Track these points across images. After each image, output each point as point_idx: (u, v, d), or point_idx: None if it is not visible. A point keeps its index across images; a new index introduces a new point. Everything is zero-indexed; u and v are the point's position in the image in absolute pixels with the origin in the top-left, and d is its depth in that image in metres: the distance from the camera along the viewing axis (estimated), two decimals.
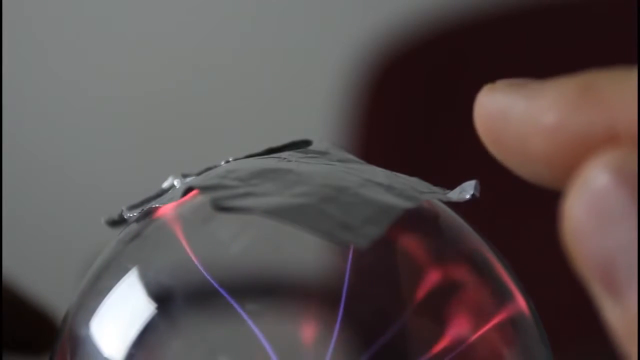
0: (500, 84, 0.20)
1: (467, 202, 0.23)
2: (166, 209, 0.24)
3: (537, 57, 0.90)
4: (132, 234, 0.24)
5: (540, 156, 0.19)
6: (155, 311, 0.22)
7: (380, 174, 0.24)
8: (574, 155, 0.18)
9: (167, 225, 0.24)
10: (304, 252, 0.22)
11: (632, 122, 0.17)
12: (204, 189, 0.22)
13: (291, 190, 0.22)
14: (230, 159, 0.25)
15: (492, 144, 0.20)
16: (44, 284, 1.07)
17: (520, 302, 0.24)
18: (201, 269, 0.23)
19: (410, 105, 0.92)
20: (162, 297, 0.23)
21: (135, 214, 0.24)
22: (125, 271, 0.23)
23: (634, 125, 0.17)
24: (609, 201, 0.17)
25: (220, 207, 0.21)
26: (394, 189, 0.23)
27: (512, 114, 0.19)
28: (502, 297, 0.23)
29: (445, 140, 0.90)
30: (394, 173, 0.24)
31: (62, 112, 1.05)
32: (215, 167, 0.25)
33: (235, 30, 1.04)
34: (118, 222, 0.25)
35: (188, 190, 0.23)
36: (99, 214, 0.26)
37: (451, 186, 0.24)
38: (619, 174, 0.17)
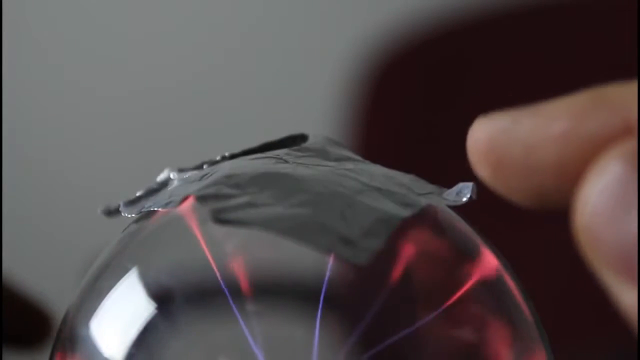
0: (495, 113, 0.20)
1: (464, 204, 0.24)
2: (165, 210, 0.24)
3: (537, 57, 0.90)
4: (131, 234, 0.24)
5: (550, 166, 0.19)
6: (155, 311, 0.23)
7: (377, 174, 0.24)
8: (586, 161, 0.18)
9: (168, 225, 0.24)
10: (304, 252, 0.23)
11: None
12: (202, 198, 0.22)
13: (290, 199, 0.22)
14: (227, 154, 0.25)
15: (493, 170, 0.20)
16: (44, 284, 1.07)
17: (492, 262, 0.24)
18: (214, 267, 0.23)
19: (409, 105, 0.92)
20: (162, 297, 0.23)
21: (133, 210, 0.24)
22: (125, 271, 0.23)
23: None
24: (628, 188, 0.17)
25: (219, 220, 0.21)
26: (392, 194, 0.23)
27: (516, 130, 0.19)
28: (472, 256, 0.23)
29: (444, 140, 0.90)
30: (391, 171, 0.24)
31: (62, 112, 1.05)
32: (211, 161, 0.25)
33: (235, 30, 1.04)
34: (114, 212, 0.25)
35: (186, 198, 0.23)
36: (98, 213, 0.26)
37: (449, 185, 0.24)
38: (636, 161, 0.17)
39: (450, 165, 0.86)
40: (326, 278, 0.23)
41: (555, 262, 0.88)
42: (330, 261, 0.23)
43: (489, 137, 0.20)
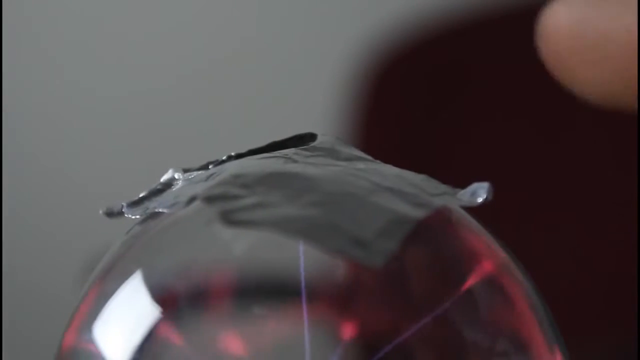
0: None
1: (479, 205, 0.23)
2: (171, 211, 0.23)
3: (538, 57, 0.89)
4: (136, 236, 0.24)
5: (622, 56, 0.18)
6: (160, 315, 0.22)
7: (388, 174, 0.23)
8: None
9: (173, 227, 0.24)
10: (310, 253, 0.22)
11: None
12: (209, 199, 0.21)
13: (300, 199, 0.21)
14: (233, 154, 0.25)
15: (568, 52, 0.19)
16: (44, 283, 1.07)
17: (506, 263, 0.23)
18: (222, 270, 0.23)
19: (410, 105, 0.91)
20: (167, 300, 0.23)
21: (136, 212, 0.24)
22: (129, 273, 0.23)
23: None
24: None
25: (228, 222, 0.21)
26: (405, 194, 0.22)
27: (594, 17, 0.19)
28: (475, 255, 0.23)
29: (446, 140, 0.90)
30: (402, 171, 0.24)
31: (64, 111, 1.05)
32: (217, 161, 0.25)
33: (236, 30, 1.04)
34: (116, 214, 0.24)
35: (192, 199, 0.22)
36: (99, 214, 0.26)
37: (451, 185, 0.24)
38: None
39: (450, 164, 0.86)
40: (302, 278, 0.22)
41: (555, 262, 0.87)
42: (302, 261, 0.22)
43: (566, 20, 0.19)
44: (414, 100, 0.91)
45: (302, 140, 0.25)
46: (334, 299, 0.23)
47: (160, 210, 0.23)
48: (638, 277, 0.81)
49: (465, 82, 0.91)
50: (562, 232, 0.89)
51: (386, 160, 0.25)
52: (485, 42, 0.92)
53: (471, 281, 0.23)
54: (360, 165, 0.24)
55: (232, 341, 0.22)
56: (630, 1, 0.18)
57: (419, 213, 0.22)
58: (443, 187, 0.23)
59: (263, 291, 0.23)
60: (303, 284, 0.22)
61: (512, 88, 0.89)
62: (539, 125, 0.90)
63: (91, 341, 0.23)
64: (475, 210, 0.24)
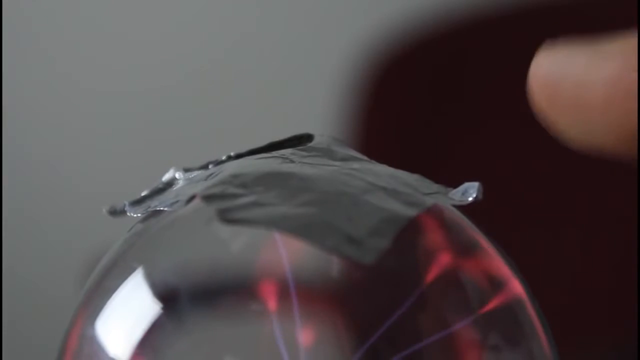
0: (559, 44, 0.20)
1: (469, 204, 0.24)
2: (171, 210, 0.24)
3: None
4: (138, 234, 0.24)
5: (598, 106, 0.19)
6: (161, 311, 0.23)
7: (383, 174, 0.24)
8: (633, 105, 0.18)
9: (174, 225, 0.24)
10: (309, 251, 0.23)
11: None
12: (208, 198, 0.22)
13: (296, 198, 0.22)
14: (232, 154, 0.25)
15: (546, 102, 0.20)
16: (44, 283, 1.07)
17: (516, 286, 0.24)
18: (220, 267, 0.23)
19: (410, 104, 0.92)
20: (168, 296, 0.23)
21: (138, 210, 0.24)
22: (131, 271, 0.23)
23: None
24: None
25: (226, 220, 0.21)
26: (398, 193, 0.23)
27: (572, 69, 0.19)
28: (495, 283, 0.24)
29: (446, 139, 0.90)
30: (396, 171, 0.24)
31: (65, 111, 1.05)
32: (217, 161, 0.25)
33: (236, 29, 1.04)
34: (119, 213, 0.25)
35: (192, 198, 0.23)
36: (100, 214, 0.26)
37: (450, 185, 0.24)
38: None
39: (450, 163, 0.86)
40: (290, 278, 0.23)
41: (555, 262, 0.88)
42: (287, 264, 0.23)
43: (546, 70, 0.20)
44: (413, 100, 0.91)
45: (299, 140, 0.26)
46: (328, 295, 0.23)
47: (161, 208, 0.24)
48: (638, 277, 0.81)
49: (465, 82, 0.91)
50: (563, 232, 0.89)
51: (386, 159, 0.25)
52: (485, 42, 0.92)
53: (461, 275, 0.23)
54: (356, 165, 0.24)
55: (231, 337, 0.23)
56: (609, 53, 0.19)
57: (411, 212, 0.22)
58: (436, 187, 0.24)
59: (263, 288, 0.23)
60: (292, 284, 0.22)
61: (512, 88, 0.89)
62: (539, 125, 0.90)
63: (94, 337, 0.23)
64: (476, 210, 0.24)
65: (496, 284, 0.23)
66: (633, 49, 0.19)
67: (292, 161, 0.24)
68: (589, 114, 0.19)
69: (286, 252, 0.23)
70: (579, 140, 0.20)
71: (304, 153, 0.25)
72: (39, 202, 1.07)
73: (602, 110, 0.19)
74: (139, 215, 0.24)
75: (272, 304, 0.23)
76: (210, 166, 0.25)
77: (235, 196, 0.22)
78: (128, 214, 0.24)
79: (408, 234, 0.23)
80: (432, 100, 0.91)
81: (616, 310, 0.87)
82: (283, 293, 0.23)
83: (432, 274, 0.23)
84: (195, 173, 0.25)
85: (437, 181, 0.25)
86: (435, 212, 0.24)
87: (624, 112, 0.19)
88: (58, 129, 1.06)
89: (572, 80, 0.19)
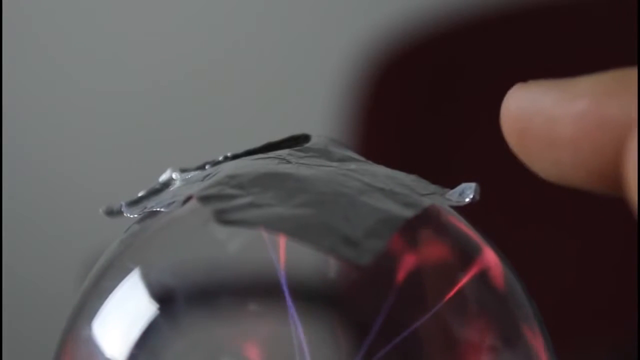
0: (531, 82, 0.20)
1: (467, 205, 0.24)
2: (168, 210, 0.24)
3: (537, 57, 0.90)
4: (134, 235, 0.24)
5: (567, 142, 0.19)
6: (158, 311, 0.23)
7: (380, 174, 0.24)
8: (601, 141, 0.19)
9: (170, 226, 0.24)
10: (305, 252, 0.23)
11: None
12: (204, 199, 0.22)
13: (293, 199, 0.22)
14: (229, 154, 0.25)
15: (517, 138, 0.20)
16: (44, 283, 1.07)
17: (494, 262, 0.24)
18: (217, 268, 0.23)
19: (410, 105, 0.92)
20: (165, 297, 0.23)
21: (135, 211, 0.24)
22: (127, 271, 0.23)
23: None
24: None
25: (223, 221, 0.21)
26: (395, 194, 0.23)
27: (542, 104, 0.20)
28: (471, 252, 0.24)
29: (445, 139, 0.90)
30: (393, 171, 0.24)
31: (63, 111, 1.05)
32: (214, 162, 0.25)
33: (236, 29, 1.04)
34: (116, 213, 0.25)
35: (188, 199, 0.23)
36: (99, 214, 0.26)
37: (450, 185, 0.24)
38: None
39: (449, 164, 0.86)
40: (283, 279, 0.23)
41: (555, 262, 0.88)
42: (282, 263, 0.23)
43: (517, 105, 0.20)
44: (413, 100, 0.91)
45: (296, 141, 0.26)
46: (325, 296, 0.23)
47: (158, 209, 0.24)
48: (638, 277, 0.81)
49: (465, 82, 0.91)
50: (563, 232, 0.89)
51: (385, 159, 0.25)
52: (485, 42, 0.92)
53: (458, 277, 0.23)
54: (352, 165, 0.24)
55: (228, 337, 0.23)
56: (579, 90, 0.19)
57: (407, 212, 0.22)
58: (432, 187, 0.24)
59: (258, 288, 0.23)
60: (285, 284, 0.22)
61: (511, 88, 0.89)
62: None
63: (90, 337, 0.23)
64: (478, 209, 0.24)
65: (493, 283, 0.23)
66: (603, 86, 0.19)
67: (288, 162, 0.24)
68: (560, 149, 0.20)
69: (282, 253, 0.23)
70: (550, 175, 0.20)
71: (301, 154, 0.25)
72: (39, 202, 1.07)
73: (572, 146, 0.19)
74: (135, 215, 0.24)
75: (268, 304, 0.23)
76: (207, 167, 0.25)
77: (231, 197, 0.22)
78: (124, 214, 0.24)
79: (404, 236, 0.23)
80: (432, 101, 0.91)
81: (616, 310, 0.87)
82: (279, 294, 0.23)
83: (429, 274, 0.23)
84: (192, 174, 0.25)
85: (436, 181, 0.25)
86: (431, 213, 0.24)
87: (593, 147, 0.19)
88: (58, 129, 1.06)
89: (542, 116, 0.20)
